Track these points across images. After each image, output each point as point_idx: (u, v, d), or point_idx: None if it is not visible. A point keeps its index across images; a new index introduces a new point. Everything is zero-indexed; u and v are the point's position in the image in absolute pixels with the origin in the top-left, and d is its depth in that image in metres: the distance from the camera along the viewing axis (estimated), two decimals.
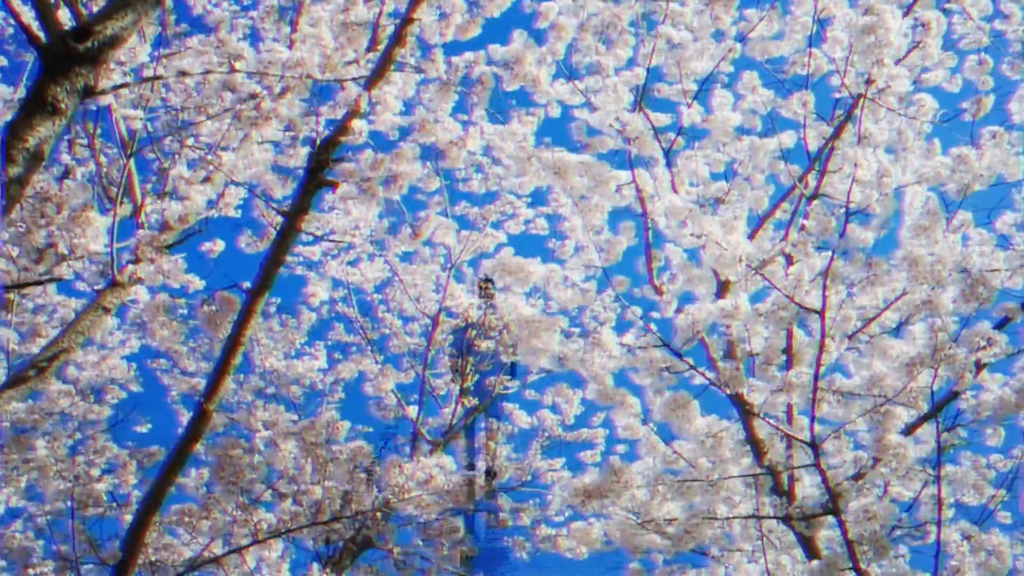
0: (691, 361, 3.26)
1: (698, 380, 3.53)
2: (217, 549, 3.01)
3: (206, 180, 3.80)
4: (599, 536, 3.60)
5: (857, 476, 3.43)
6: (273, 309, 6.39)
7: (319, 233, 3.71)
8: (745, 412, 4.01)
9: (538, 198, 6.23)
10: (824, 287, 3.28)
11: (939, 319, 3.22)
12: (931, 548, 3.38)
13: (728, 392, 3.28)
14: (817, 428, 3.24)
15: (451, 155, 3.32)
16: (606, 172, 3.32)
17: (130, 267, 3.39)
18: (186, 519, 2.98)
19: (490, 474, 6.30)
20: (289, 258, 6.19)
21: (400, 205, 4.26)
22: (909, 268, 3.26)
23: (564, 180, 3.24)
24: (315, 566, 4.09)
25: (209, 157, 3.15)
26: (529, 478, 6.13)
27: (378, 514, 4.61)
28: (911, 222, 3.29)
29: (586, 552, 3.85)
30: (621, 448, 6.22)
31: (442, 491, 3.05)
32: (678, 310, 3.30)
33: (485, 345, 6.24)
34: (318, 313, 6.42)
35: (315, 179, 2.97)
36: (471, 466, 6.38)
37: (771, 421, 3.29)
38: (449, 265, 5.77)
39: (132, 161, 3.56)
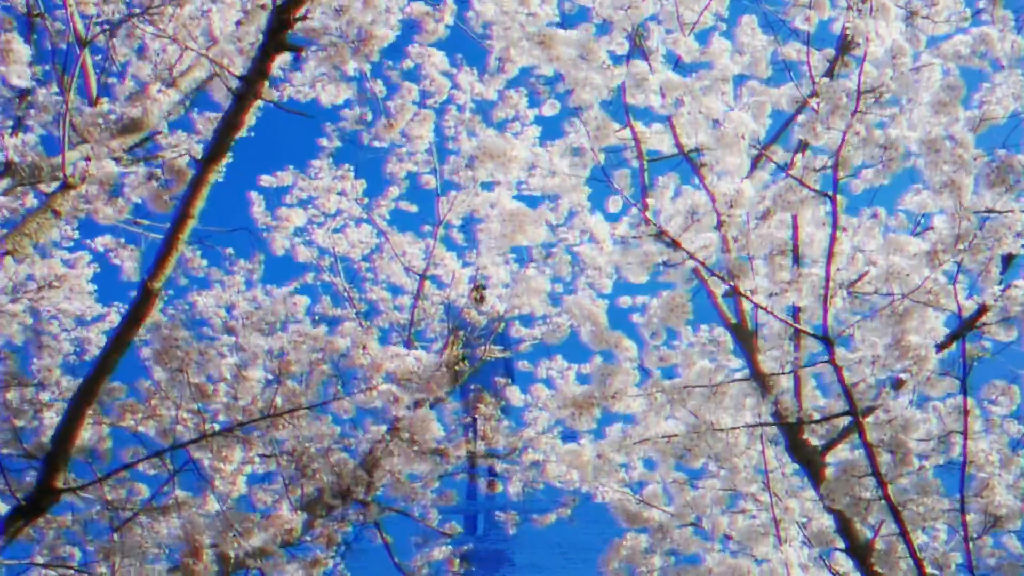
0: (691, 251, 2.90)
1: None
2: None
3: (171, 85, 3.47)
4: (591, 458, 3.21)
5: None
6: (257, 276, 6.06)
7: (284, 104, 3.36)
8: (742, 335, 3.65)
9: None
10: (835, 169, 2.94)
11: (961, 204, 2.87)
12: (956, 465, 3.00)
13: (730, 284, 2.91)
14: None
15: (428, 28, 2.98)
16: (595, 47, 2.98)
17: (81, 164, 3.04)
18: (129, 416, 2.61)
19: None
20: (271, 221, 5.88)
21: (373, 94, 3.91)
22: (927, 151, 2.92)
23: (550, 51, 2.90)
24: (285, 504, 3.69)
25: (168, 29, 2.81)
26: (521, 447, 5.72)
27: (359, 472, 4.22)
28: (929, 98, 2.95)
29: (577, 479, 3.44)
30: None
31: (414, 378, 2.67)
32: (675, 196, 2.95)
33: (475, 316, 5.89)
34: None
35: (276, 40, 2.63)
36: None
37: (779, 315, 2.91)
38: (436, 223, 5.42)
39: (87, 52, 3.22)
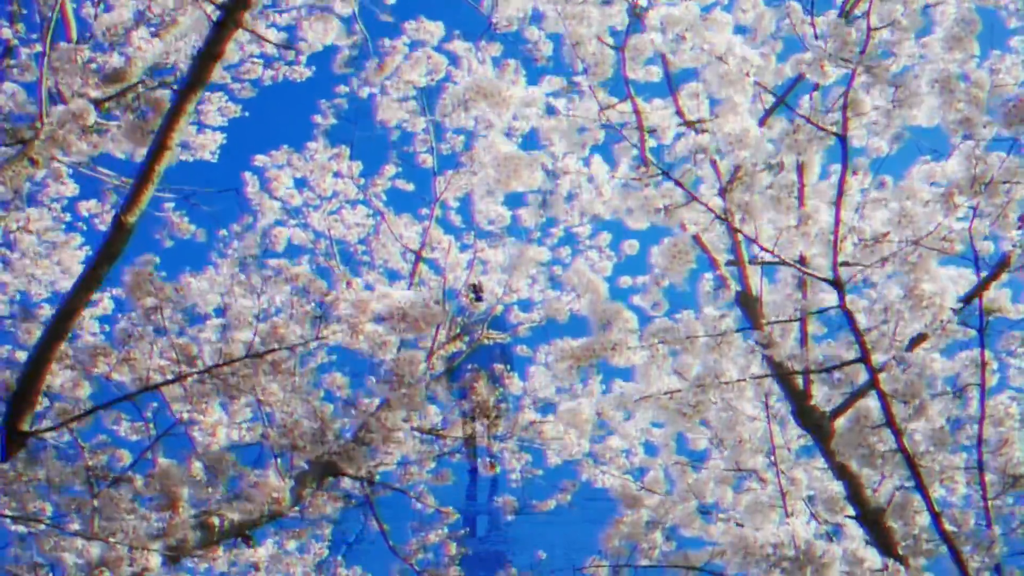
0: (695, 193, 2.73)
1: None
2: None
3: (155, 35, 3.31)
4: (591, 416, 3.02)
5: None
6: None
7: (269, 38, 3.19)
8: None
9: (530, 142, 5.74)
10: (844, 111, 2.78)
11: (977, 141, 2.71)
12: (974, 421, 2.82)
13: (735, 227, 2.74)
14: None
15: None
16: None
17: (58, 110, 2.87)
18: (101, 361, 2.43)
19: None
20: (268, 202, 5.72)
21: (363, 30, 3.75)
22: (941, 89, 2.76)
23: None
24: (271, 472, 3.51)
25: None
26: (521, 431, 5.53)
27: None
28: (943, 34, 2.79)
29: (575, 439, 3.26)
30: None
31: (402, 316, 2.49)
32: (677, 136, 2.79)
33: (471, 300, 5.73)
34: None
35: None
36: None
37: (786, 259, 2.74)
38: (432, 200, 5.27)
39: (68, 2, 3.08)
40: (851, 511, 3.27)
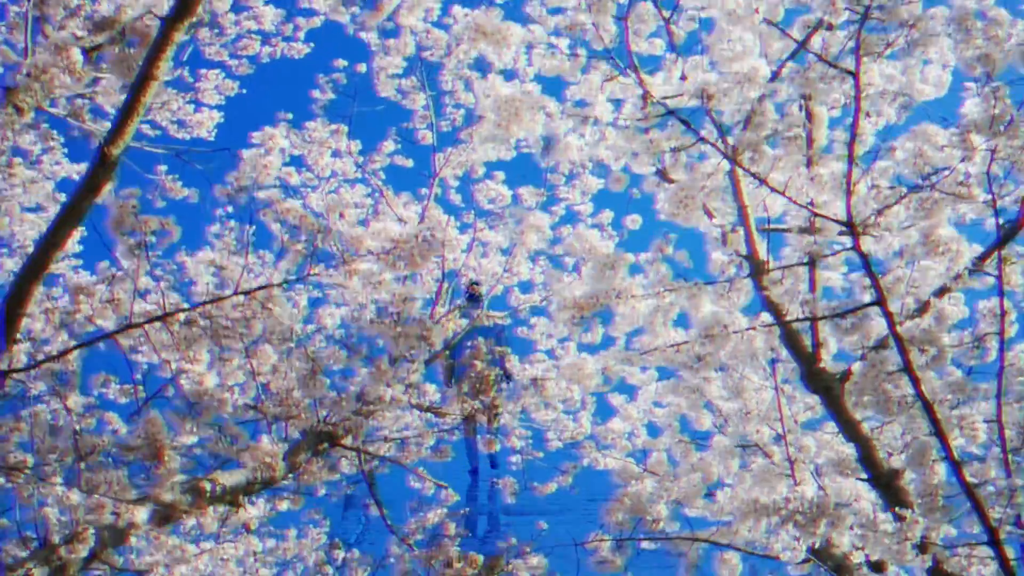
0: (703, 133, 2.61)
1: None
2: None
3: None
4: (594, 370, 2.89)
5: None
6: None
7: None
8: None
9: None
10: (857, 50, 2.66)
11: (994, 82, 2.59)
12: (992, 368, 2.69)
13: (744, 167, 2.61)
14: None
15: None
16: None
17: (43, 56, 2.75)
18: (83, 301, 2.30)
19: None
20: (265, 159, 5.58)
21: None
22: (957, 28, 2.64)
23: None
24: (265, 437, 3.38)
25: None
26: (521, 415, 5.40)
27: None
28: None
29: (578, 395, 3.12)
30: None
31: (398, 249, 2.36)
32: (683, 76, 2.67)
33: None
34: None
35: None
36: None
37: (796, 200, 2.61)
38: (432, 176, 5.15)
39: None
40: (863, 474, 3.14)
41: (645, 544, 4.72)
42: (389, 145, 5.32)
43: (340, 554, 5.35)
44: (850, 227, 2.51)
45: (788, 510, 2.48)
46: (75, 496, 2.19)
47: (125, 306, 2.30)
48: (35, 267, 2.24)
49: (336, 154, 5.50)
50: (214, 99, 5.23)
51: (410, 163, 5.37)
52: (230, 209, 4.78)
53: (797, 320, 2.71)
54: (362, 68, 5.20)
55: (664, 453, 4.67)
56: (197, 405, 2.56)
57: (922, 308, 2.46)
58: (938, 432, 2.39)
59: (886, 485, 3.07)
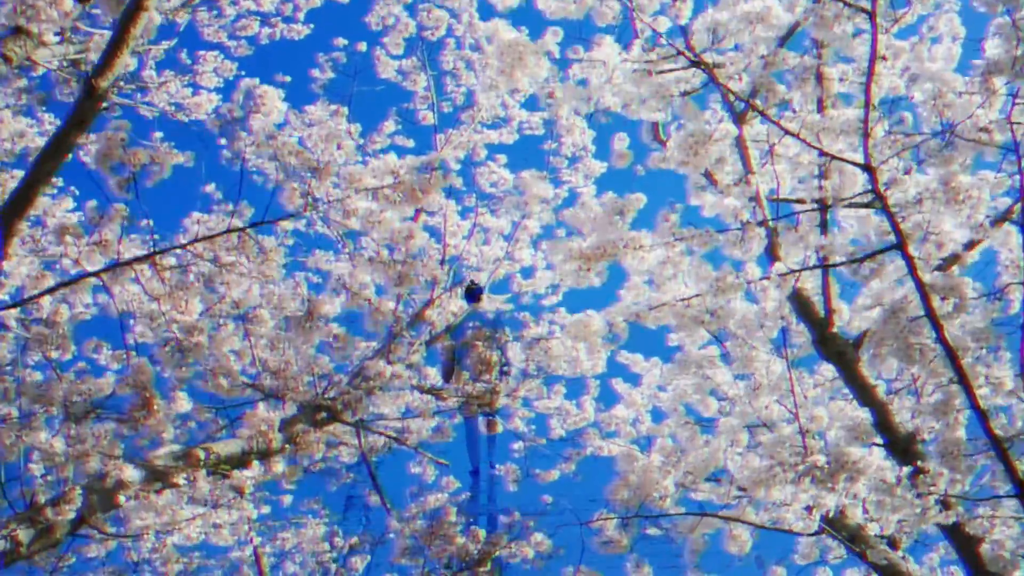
0: (716, 74, 2.49)
1: None
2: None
3: None
4: (600, 328, 2.76)
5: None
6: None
7: None
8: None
9: (532, 102, 5.53)
10: None
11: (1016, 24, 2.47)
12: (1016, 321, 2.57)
13: (757, 107, 2.50)
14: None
15: None
16: None
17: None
18: (69, 242, 2.18)
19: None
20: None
21: None
22: None
23: None
24: (261, 405, 3.26)
25: None
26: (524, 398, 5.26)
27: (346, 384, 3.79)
28: None
29: (585, 355, 2.99)
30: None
31: (398, 184, 2.23)
32: (694, 16, 2.55)
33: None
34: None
35: None
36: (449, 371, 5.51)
37: (810, 142, 2.49)
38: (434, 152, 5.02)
39: None
40: (879, 440, 3.02)
41: (651, 531, 4.59)
42: (390, 126, 5.21)
43: (339, 541, 5.22)
44: (868, 169, 2.39)
45: (805, 465, 2.36)
46: (59, 444, 2.07)
47: (113, 248, 2.18)
48: (19, 200, 2.11)
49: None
50: (212, 81, 5.13)
51: (411, 143, 5.26)
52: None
53: (812, 267, 2.58)
54: (362, 47, 5.10)
55: (669, 439, 4.52)
56: (188, 353, 2.43)
57: (949, 261, 2.33)
58: (962, 381, 2.27)
59: (903, 450, 2.94)
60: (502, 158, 5.48)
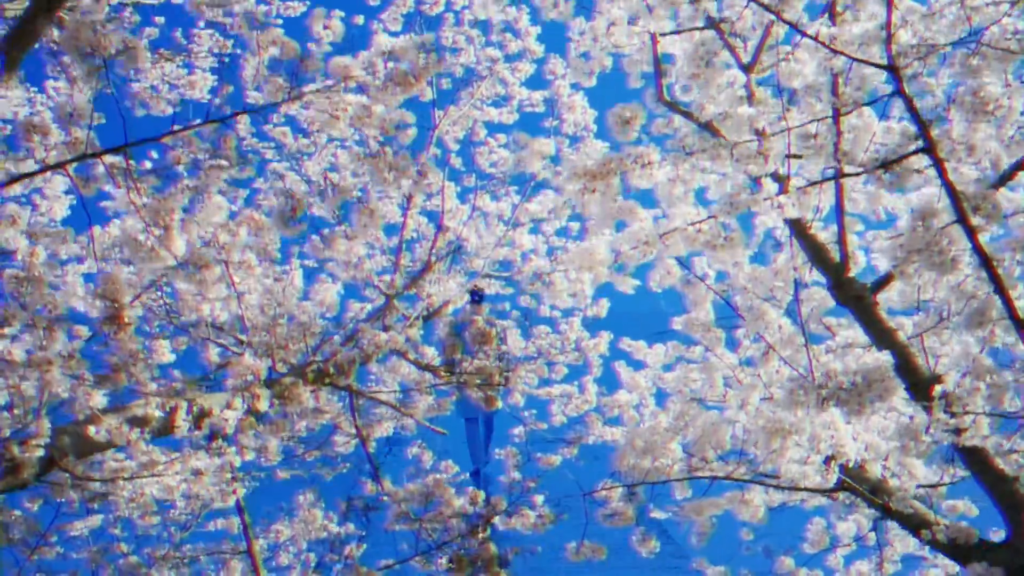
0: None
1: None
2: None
3: None
4: (606, 257, 2.56)
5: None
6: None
7: None
8: None
9: (534, 81, 5.37)
10: None
11: None
12: None
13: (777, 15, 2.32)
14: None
15: None
16: None
17: None
18: (37, 143, 1.98)
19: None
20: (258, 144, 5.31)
21: None
22: None
23: None
24: (247, 353, 3.05)
25: None
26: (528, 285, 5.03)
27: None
28: None
29: (589, 285, 2.78)
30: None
31: (392, 74, 2.04)
32: None
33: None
34: None
35: None
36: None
37: (827, 43, 2.30)
38: (431, 128, 4.86)
39: None
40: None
41: (655, 514, 4.36)
42: None
43: (333, 527, 4.98)
44: (891, 70, 2.21)
45: (831, 385, 2.14)
46: (19, 353, 1.86)
47: (85, 147, 1.98)
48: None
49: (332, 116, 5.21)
50: (208, 61, 4.98)
51: (411, 118, 5.07)
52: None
53: (832, 178, 2.38)
54: (359, 20, 4.95)
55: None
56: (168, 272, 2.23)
57: (996, 184, 2.14)
58: (999, 290, 2.07)
59: (925, 395, 2.74)
60: (502, 137, 5.32)
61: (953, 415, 2.25)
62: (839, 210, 2.96)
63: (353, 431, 4.72)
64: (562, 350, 5.48)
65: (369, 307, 3.75)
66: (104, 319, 2.05)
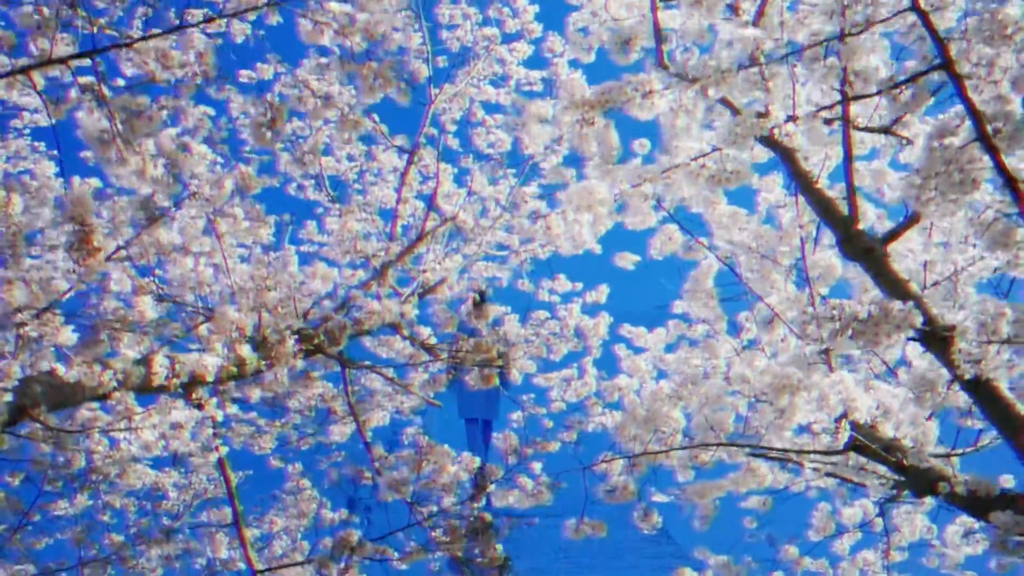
0: None
1: None
2: None
3: None
4: (606, 196, 2.41)
5: None
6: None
7: None
8: None
9: (533, 61, 5.24)
10: None
11: None
12: None
13: None
14: None
15: None
16: None
17: None
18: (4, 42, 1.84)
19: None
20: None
21: None
22: None
23: None
24: (230, 307, 2.90)
25: None
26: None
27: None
28: None
29: (588, 230, 2.64)
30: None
31: None
32: None
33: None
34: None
35: None
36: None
37: None
38: (427, 103, 4.74)
39: None
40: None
41: (657, 497, 4.20)
42: None
43: (328, 513, 4.83)
44: None
45: (847, 315, 1.99)
46: None
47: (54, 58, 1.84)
48: None
49: (327, 98, 5.08)
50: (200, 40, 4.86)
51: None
52: None
53: (845, 100, 2.24)
54: None
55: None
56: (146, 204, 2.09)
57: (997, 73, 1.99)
58: None
59: (941, 342, 2.58)
60: (500, 117, 5.18)
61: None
62: (847, 159, 2.81)
63: (349, 415, 4.56)
64: (561, 335, 5.32)
65: (362, 274, 3.60)
66: (72, 243, 1.90)
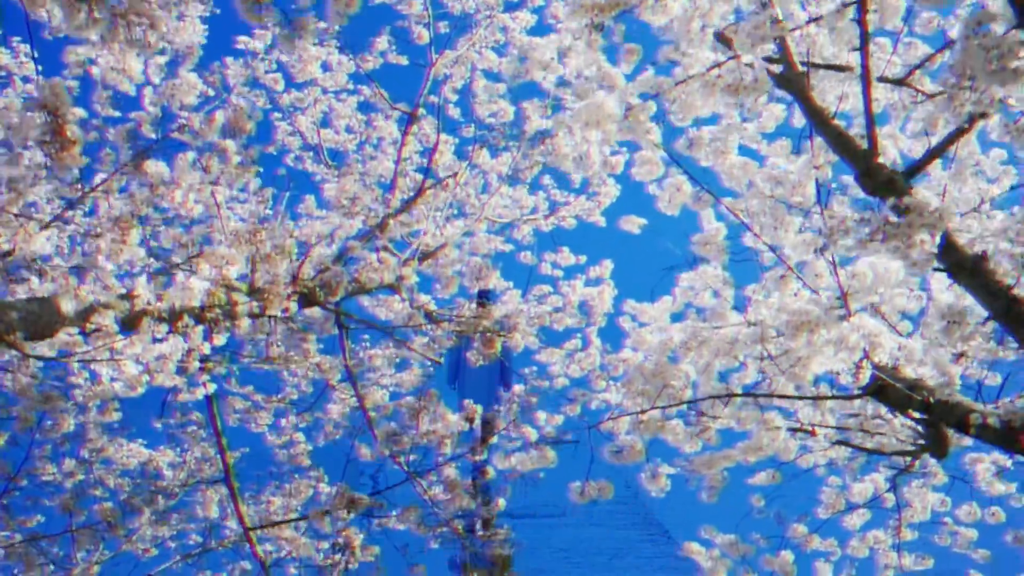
0: None
1: None
2: None
3: None
4: (615, 111, 2.24)
5: None
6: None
7: None
8: None
9: (538, 30, 5.09)
10: None
11: None
12: None
13: None
14: None
15: None
16: None
17: None
18: None
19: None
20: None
21: None
22: None
23: None
24: (221, 246, 2.74)
25: None
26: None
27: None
28: None
29: (597, 148, 2.47)
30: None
31: None
32: None
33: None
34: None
35: None
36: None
37: None
38: (427, 66, 4.59)
39: None
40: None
41: (664, 468, 4.02)
42: (382, 43, 4.76)
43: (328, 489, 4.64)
44: None
45: (876, 219, 1.82)
46: None
47: None
48: None
49: (326, 67, 4.94)
50: (197, 10, 4.71)
51: (404, 60, 4.79)
52: None
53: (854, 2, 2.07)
54: None
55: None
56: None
57: None
58: None
59: (970, 272, 2.42)
60: (501, 87, 5.03)
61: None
62: (866, 86, 2.65)
63: (347, 384, 4.40)
64: (564, 309, 5.16)
65: (359, 224, 3.44)
66: (45, 136, 1.74)
